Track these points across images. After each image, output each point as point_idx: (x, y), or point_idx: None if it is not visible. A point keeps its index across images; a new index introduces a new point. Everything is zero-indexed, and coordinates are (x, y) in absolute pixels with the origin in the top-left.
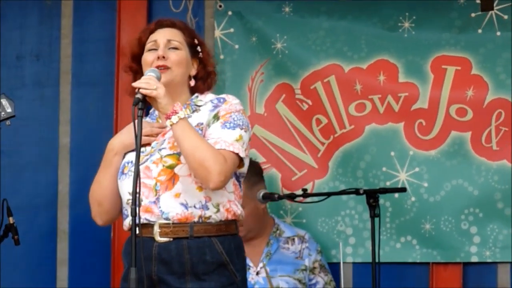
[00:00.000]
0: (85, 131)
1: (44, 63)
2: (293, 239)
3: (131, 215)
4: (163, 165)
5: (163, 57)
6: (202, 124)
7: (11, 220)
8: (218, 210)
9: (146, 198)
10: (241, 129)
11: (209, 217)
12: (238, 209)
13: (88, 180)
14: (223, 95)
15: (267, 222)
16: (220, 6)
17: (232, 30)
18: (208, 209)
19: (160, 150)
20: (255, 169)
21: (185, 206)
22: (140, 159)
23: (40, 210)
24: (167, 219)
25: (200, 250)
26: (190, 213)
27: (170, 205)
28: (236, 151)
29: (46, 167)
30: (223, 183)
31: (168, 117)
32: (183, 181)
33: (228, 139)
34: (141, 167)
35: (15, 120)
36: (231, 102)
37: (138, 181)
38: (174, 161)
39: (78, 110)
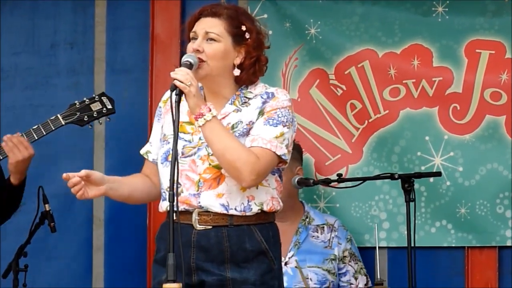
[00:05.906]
0: (119, 119)
1: (78, 51)
2: (323, 227)
3: (169, 200)
4: (210, 164)
5: (198, 50)
6: (253, 122)
7: (47, 207)
8: (262, 209)
9: (187, 190)
10: (284, 126)
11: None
12: (279, 206)
13: (123, 167)
14: (273, 89)
15: (297, 206)
16: None
17: (265, 16)
18: (251, 210)
19: (208, 146)
20: (296, 146)
21: (226, 208)
22: (188, 150)
23: (75, 197)
24: (206, 210)
25: (239, 238)
26: (230, 214)
27: (210, 203)
28: (273, 149)
29: (82, 155)
30: (255, 182)
31: (196, 119)
32: (229, 182)
33: (267, 136)
34: (187, 160)
35: (49, 109)
36: (279, 98)
37: (176, 166)
38: None
39: (112, 98)
